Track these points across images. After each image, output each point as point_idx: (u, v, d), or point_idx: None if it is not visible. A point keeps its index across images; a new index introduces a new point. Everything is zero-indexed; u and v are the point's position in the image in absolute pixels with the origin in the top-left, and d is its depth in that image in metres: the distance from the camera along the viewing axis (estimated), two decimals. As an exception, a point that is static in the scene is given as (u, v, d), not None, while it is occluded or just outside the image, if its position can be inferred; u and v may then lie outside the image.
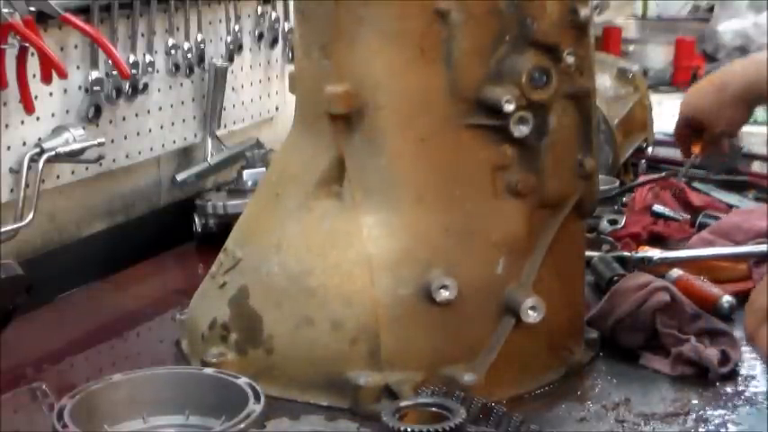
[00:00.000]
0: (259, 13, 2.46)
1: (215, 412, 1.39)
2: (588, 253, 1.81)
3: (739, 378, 1.61)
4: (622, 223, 2.14)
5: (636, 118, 2.48)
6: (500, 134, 1.52)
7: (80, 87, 2.00)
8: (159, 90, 2.19)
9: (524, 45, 1.51)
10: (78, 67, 1.99)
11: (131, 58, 2.09)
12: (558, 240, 1.58)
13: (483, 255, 1.54)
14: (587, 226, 1.77)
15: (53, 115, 1.95)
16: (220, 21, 2.35)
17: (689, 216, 2.21)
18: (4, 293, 1.71)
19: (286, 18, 2.52)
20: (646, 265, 1.91)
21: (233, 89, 2.39)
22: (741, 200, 2.37)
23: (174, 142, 2.26)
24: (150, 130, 2.18)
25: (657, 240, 2.11)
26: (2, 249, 1.79)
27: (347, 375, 1.51)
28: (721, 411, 1.52)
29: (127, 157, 2.14)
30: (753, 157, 2.61)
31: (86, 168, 2.02)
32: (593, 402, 1.55)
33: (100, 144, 1.97)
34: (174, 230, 2.22)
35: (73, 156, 1.94)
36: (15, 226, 1.84)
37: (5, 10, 1.78)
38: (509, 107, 1.48)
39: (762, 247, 1.92)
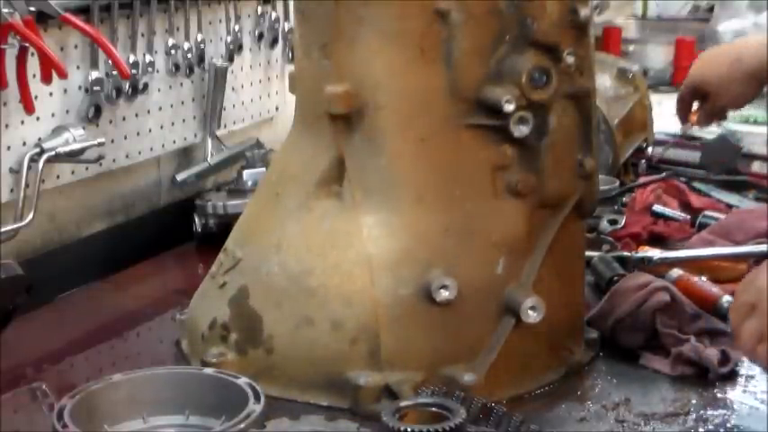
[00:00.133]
0: (259, 13, 2.46)
1: (215, 412, 1.39)
2: (588, 253, 1.81)
3: (739, 378, 1.61)
4: (622, 223, 2.14)
5: (636, 118, 2.48)
6: (500, 134, 1.52)
7: (80, 87, 2.00)
8: (159, 90, 2.19)
9: (524, 45, 1.51)
10: (78, 67, 1.99)
11: (131, 58, 2.09)
12: (558, 240, 1.58)
13: (483, 255, 1.54)
14: (587, 226, 1.77)
15: (53, 115, 1.95)
16: (220, 21, 2.35)
17: (689, 216, 2.21)
18: (4, 293, 1.71)
19: (286, 18, 2.52)
20: (646, 265, 1.91)
21: (233, 89, 2.39)
22: (741, 200, 2.37)
23: (174, 142, 2.26)
24: (150, 130, 2.18)
25: (657, 240, 2.11)
26: (2, 249, 1.79)
27: (347, 375, 1.51)
28: (721, 411, 1.53)
29: (127, 157, 2.14)
30: (753, 157, 2.60)
31: (86, 168, 2.02)
32: (593, 402, 1.55)
33: (100, 144, 1.97)
34: (174, 230, 2.22)
35: (73, 156, 1.94)
36: (15, 226, 1.84)
37: (5, 10, 1.78)
38: (509, 107, 1.48)
39: (762, 247, 1.92)
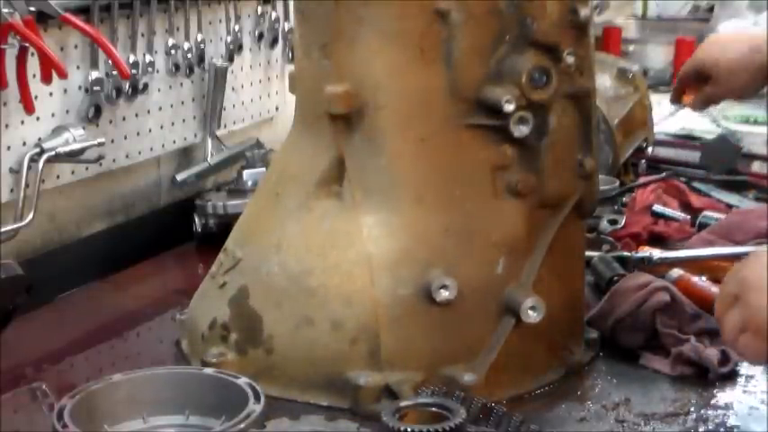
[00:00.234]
0: (259, 13, 2.46)
1: (215, 412, 1.39)
2: (588, 253, 1.81)
3: (739, 378, 1.61)
4: (622, 223, 2.14)
5: (636, 118, 2.48)
6: (500, 134, 1.52)
7: (80, 87, 2.00)
8: (159, 90, 2.19)
9: (524, 45, 1.51)
10: (78, 67, 1.99)
11: (131, 58, 2.09)
12: (557, 240, 1.58)
13: (483, 255, 1.54)
14: (587, 226, 1.77)
15: (53, 115, 1.95)
16: (220, 21, 2.35)
17: (689, 216, 2.21)
18: (4, 293, 1.71)
19: (286, 18, 2.52)
20: (646, 265, 1.91)
21: (233, 89, 2.39)
22: (741, 200, 2.37)
23: (174, 142, 2.26)
24: (150, 130, 2.18)
25: (657, 240, 2.11)
26: (2, 249, 1.79)
27: (347, 375, 1.51)
28: (721, 411, 1.53)
29: (127, 157, 2.14)
30: (753, 157, 2.60)
31: (86, 168, 2.02)
32: (593, 402, 1.55)
33: (100, 144, 1.97)
34: (174, 230, 2.22)
35: (73, 156, 1.94)
36: (15, 226, 1.84)
37: (5, 10, 1.78)
38: (509, 107, 1.48)
39: (762, 248, 1.91)
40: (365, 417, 1.48)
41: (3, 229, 1.82)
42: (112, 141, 2.08)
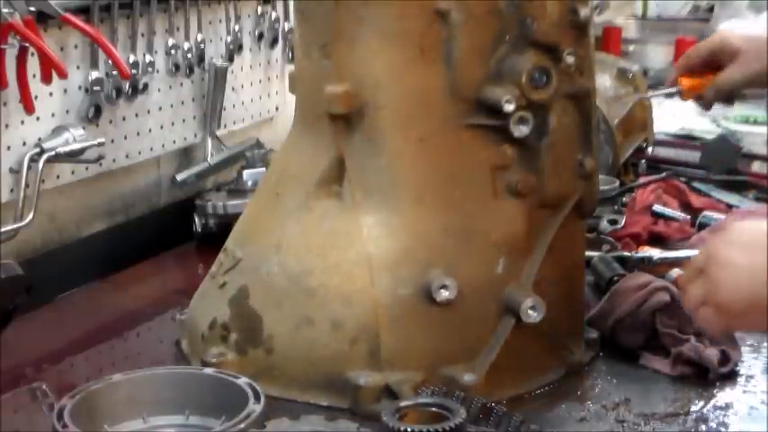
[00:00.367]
0: (259, 13, 2.46)
1: (215, 412, 1.39)
2: (588, 253, 1.81)
3: (739, 378, 1.61)
4: (622, 223, 2.14)
5: (636, 118, 2.48)
6: (500, 134, 1.52)
7: (80, 87, 2.00)
8: (159, 90, 2.19)
9: (524, 45, 1.51)
10: (78, 67, 1.99)
11: (131, 58, 2.09)
12: (558, 240, 1.58)
13: (483, 255, 1.54)
14: (587, 226, 1.77)
15: (53, 115, 1.95)
16: (220, 21, 2.35)
17: (689, 216, 2.21)
18: (4, 293, 1.71)
19: (286, 18, 2.52)
20: (646, 265, 1.91)
21: (233, 89, 2.39)
22: (741, 200, 2.37)
23: (174, 142, 2.26)
24: (150, 130, 2.18)
25: (657, 240, 2.11)
26: (2, 249, 1.79)
27: (347, 375, 1.51)
28: (721, 411, 1.53)
29: (127, 157, 2.14)
30: (753, 157, 2.60)
31: (86, 168, 2.02)
32: (593, 402, 1.55)
33: (100, 144, 1.97)
34: (174, 230, 2.22)
35: (73, 156, 1.94)
36: (15, 226, 1.84)
37: (5, 10, 1.78)
38: (509, 107, 1.48)
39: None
40: (365, 417, 1.48)
41: (3, 229, 1.82)
42: (112, 141, 2.08)
